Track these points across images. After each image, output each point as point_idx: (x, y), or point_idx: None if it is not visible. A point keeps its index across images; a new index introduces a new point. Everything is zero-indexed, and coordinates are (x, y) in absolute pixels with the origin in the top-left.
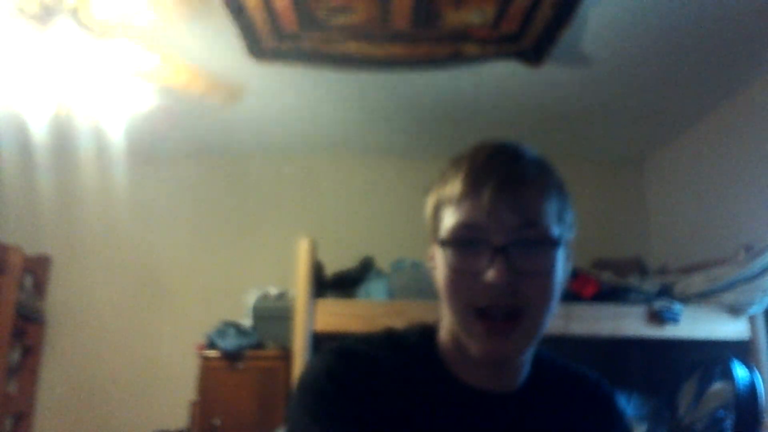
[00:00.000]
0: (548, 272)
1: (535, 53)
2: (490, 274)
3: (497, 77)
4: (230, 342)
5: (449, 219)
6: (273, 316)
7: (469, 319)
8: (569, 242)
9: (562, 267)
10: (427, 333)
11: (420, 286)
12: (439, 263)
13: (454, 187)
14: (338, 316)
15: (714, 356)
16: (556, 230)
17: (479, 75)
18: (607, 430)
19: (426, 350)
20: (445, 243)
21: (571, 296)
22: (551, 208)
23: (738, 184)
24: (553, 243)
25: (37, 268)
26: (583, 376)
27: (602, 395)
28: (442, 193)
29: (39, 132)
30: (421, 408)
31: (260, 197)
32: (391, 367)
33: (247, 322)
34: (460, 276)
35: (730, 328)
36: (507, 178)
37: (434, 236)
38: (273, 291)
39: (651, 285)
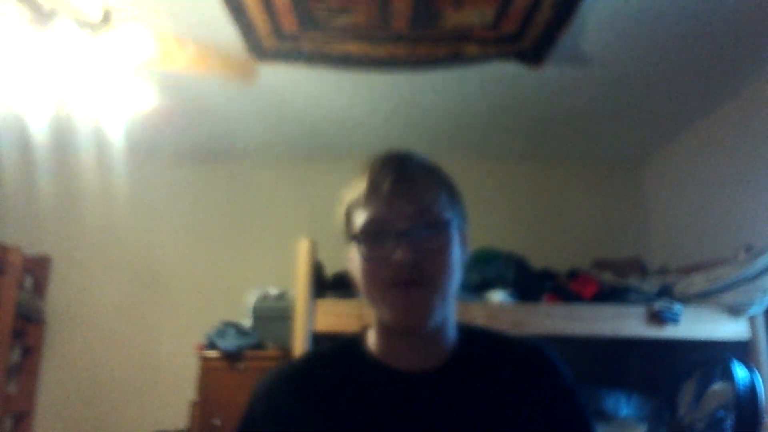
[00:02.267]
0: (444, 249)
1: (535, 53)
2: (397, 254)
3: (497, 77)
4: (230, 342)
5: (359, 218)
6: (273, 316)
7: (384, 293)
8: (463, 230)
9: (458, 247)
10: (352, 337)
11: None
12: (354, 257)
13: (358, 191)
14: (338, 316)
15: (714, 356)
16: (448, 214)
17: (479, 75)
18: (550, 393)
19: (351, 349)
20: (357, 238)
21: (571, 296)
22: (441, 198)
23: (738, 184)
24: (445, 224)
25: (37, 268)
26: (519, 344)
27: (542, 360)
28: (350, 199)
29: (39, 132)
30: (349, 397)
31: (260, 197)
32: (316, 373)
33: (247, 322)
34: (373, 262)
35: (730, 329)
36: (401, 176)
37: (348, 237)
38: (273, 291)
39: (651, 285)
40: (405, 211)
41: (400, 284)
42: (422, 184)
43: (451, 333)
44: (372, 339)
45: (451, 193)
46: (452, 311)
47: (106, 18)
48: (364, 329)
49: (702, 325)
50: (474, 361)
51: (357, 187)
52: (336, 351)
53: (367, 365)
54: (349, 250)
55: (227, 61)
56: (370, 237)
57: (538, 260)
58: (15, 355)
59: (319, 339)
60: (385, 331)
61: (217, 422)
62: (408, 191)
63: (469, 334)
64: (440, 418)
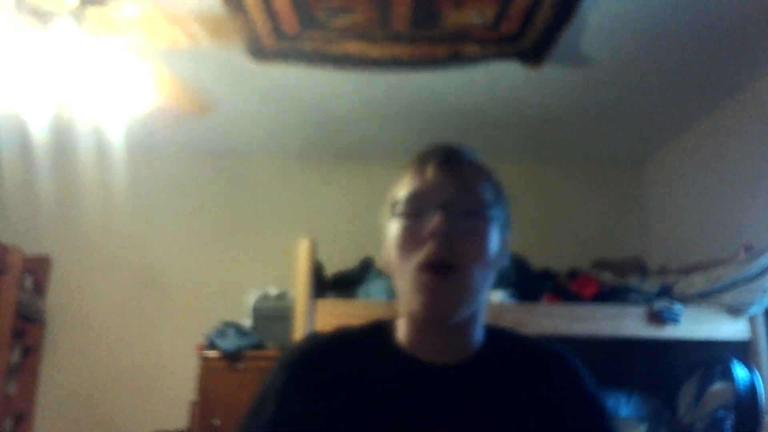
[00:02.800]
0: (481, 235)
1: (535, 53)
2: (432, 223)
3: (497, 78)
4: (230, 342)
5: (401, 194)
6: (273, 316)
7: (415, 274)
8: (505, 233)
9: (496, 241)
10: (381, 324)
11: None
12: (392, 235)
13: (404, 178)
14: (338, 316)
15: (714, 356)
16: (491, 206)
17: (479, 76)
18: (572, 400)
19: (378, 336)
20: (397, 214)
21: (571, 296)
22: (487, 189)
23: (738, 184)
24: (487, 213)
25: (37, 269)
26: (545, 350)
27: (566, 370)
28: (395, 189)
29: (39, 132)
30: (371, 387)
31: (260, 197)
32: (342, 357)
33: (247, 322)
34: (409, 236)
35: (730, 329)
36: (447, 157)
37: (389, 212)
38: (273, 291)
39: (651, 285)
40: (447, 188)
41: (431, 268)
42: (469, 170)
43: (479, 329)
44: (401, 328)
45: (498, 192)
46: (483, 307)
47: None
48: (395, 317)
49: (702, 325)
50: (499, 360)
51: (402, 177)
52: (365, 335)
53: (393, 355)
54: (389, 229)
55: (215, 26)
56: (410, 208)
57: (538, 260)
58: (15, 355)
59: None
60: (412, 321)
61: (217, 422)
62: (453, 171)
63: (496, 333)
64: (461, 414)
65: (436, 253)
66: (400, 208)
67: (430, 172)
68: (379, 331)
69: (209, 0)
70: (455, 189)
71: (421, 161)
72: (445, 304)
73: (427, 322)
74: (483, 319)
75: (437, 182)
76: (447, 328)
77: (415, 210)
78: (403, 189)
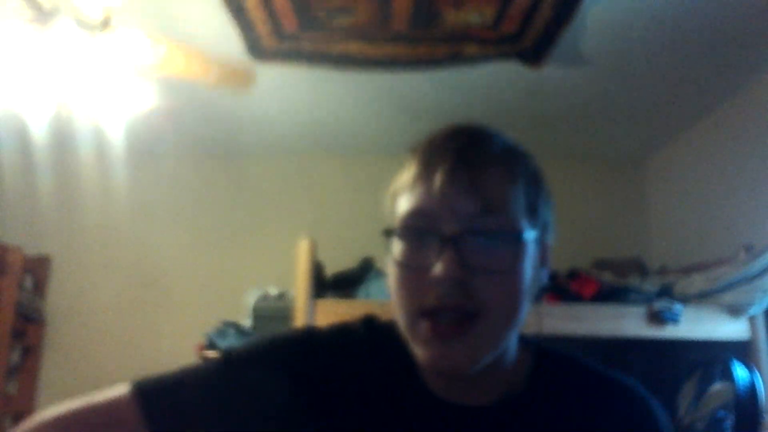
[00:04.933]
0: (510, 270)
1: (535, 53)
2: (437, 268)
3: (497, 77)
4: (230, 342)
5: (401, 207)
6: (273, 316)
7: (415, 322)
8: (545, 242)
9: (531, 268)
10: (385, 335)
11: None
12: (389, 262)
13: (408, 171)
14: (338, 316)
15: (714, 356)
16: (523, 223)
17: (479, 75)
18: None
19: (405, 355)
20: (393, 235)
21: (571, 296)
22: (519, 196)
23: (738, 184)
24: (517, 235)
25: (37, 268)
26: (612, 382)
27: (638, 408)
28: (398, 181)
29: (39, 132)
30: (381, 420)
31: (260, 197)
32: (365, 368)
33: (247, 322)
34: (407, 272)
35: (730, 329)
36: (463, 158)
37: (385, 231)
38: (273, 291)
39: (651, 285)
40: (461, 208)
41: (437, 319)
42: (494, 173)
43: (512, 353)
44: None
45: (536, 192)
46: (514, 340)
47: (106, 20)
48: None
49: (702, 325)
50: (550, 395)
51: (408, 166)
52: (388, 354)
53: (413, 383)
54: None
55: (225, 70)
56: (410, 236)
57: None
58: (15, 355)
59: None
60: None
61: None
62: (470, 180)
63: (549, 359)
64: None
65: (445, 302)
66: (396, 227)
67: (439, 180)
68: (404, 346)
69: (225, 39)
70: (473, 210)
71: (427, 161)
72: (453, 362)
73: (436, 374)
74: (515, 344)
75: (447, 198)
76: (467, 377)
77: (416, 232)
78: (404, 198)
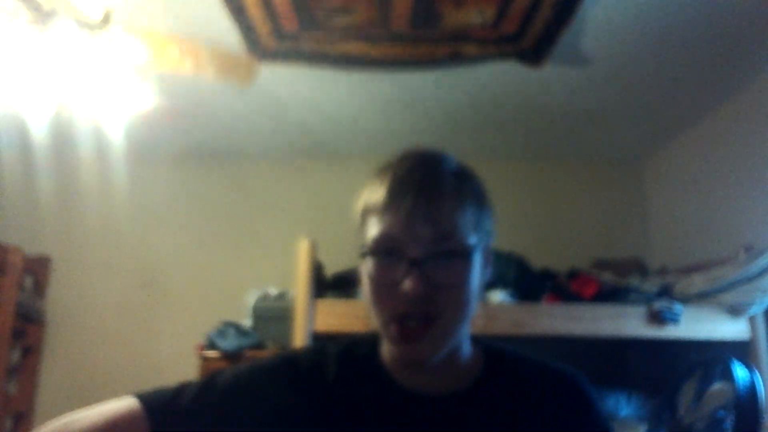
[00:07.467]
0: (462, 283)
1: (534, 53)
2: (407, 285)
3: (497, 77)
4: (230, 342)
5: (373, 229)
6: (273, 316)
7: (388, 325)
8: (488, 247)
9: (478, 272)
10: (365, 342)
11: None
12: (364, 273)
13: (378, 196)
14: (338, 316)
15: (714, 356)
16: (472, 239)
17: (479, 75)
18: (582, 428)
19: (371, 358)
20: (367, 254)
21: (571, 296)
22: (467, 218)
23: (738, 184)
24: (467, 253)
25: (37, 268)
26: (554, 371)
27: (575, 391)
28: (368, 200)
29: (39, 132)
30: (357, 413)
31: (260, 197)
32: (331, 375)
33: (247, 322)
34: (380, 286)
35: (730, 328)
36: (424, 191)
37: (360, 245)
38: (273, 291)
39: (651, 285)
40: (423, 235)
41: (404, 321)
42: (447, 203)
43: (466, 350)
44: (386, 352)
45: (480, 208)
46: (467, 333)
47: (106, 19)
48: (377, 334)
49: (702, 325)
50: (503, 386)
51: (377, 189)
52: (356, 359)
53: (382, 379)
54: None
55: (226, 64)
56: (381, 255)
57: (538, 260)
58: (15, 355)
59: (319, 339)
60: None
61: None
62: (429, 210)
63: (498, 355)
64: None
65: (413, 309)
66: (370, 247)
67: (403, 210)
68: (372, 349)
69: (228, 37)
70: (432, 236)
71: (393, 194)
72: (419, 356)
73: (404, 365)
74: (468, 338)
75: (411, 227)
76: (429, 368)
77: (385, 252)
78: (374, 222)
